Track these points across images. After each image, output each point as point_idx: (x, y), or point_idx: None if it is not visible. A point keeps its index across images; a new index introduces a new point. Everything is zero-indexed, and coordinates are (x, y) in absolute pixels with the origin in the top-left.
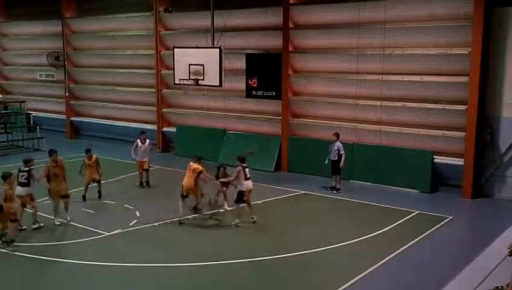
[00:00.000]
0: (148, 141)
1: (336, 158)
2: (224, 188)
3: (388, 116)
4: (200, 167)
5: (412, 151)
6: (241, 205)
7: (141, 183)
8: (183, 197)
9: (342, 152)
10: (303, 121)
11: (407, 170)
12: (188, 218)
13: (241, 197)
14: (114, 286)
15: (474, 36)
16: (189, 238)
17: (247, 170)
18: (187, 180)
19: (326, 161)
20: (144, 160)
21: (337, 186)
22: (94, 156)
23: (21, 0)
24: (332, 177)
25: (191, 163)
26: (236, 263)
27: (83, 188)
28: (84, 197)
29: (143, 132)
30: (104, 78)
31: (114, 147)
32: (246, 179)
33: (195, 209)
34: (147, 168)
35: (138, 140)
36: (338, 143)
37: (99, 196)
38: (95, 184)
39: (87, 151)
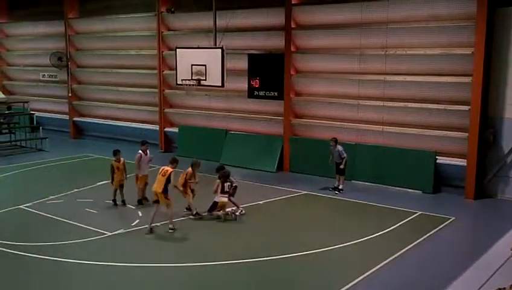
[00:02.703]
0: (148, 151)
1: (340, 161)
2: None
3: (390, 117)
4: (170, 169)
5: (414, 152)
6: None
7: (141, 201)
8: (155, 202)
9: (344, 155)
10: (305, 121)
11: (409, 171)
12: (157, 225)
13: (213, 207)
14: (115, 286)
15: (477, 36)
16: (190, 239)
17: (227, 185)
18: (156, 184)
19: (330, 160)
20: (147, 173)
21: (340, 187)
22: (122, 159)
23: (24, 1)
24: (336, 177)
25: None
26: (238, 263)
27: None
28: (115, 201)
29: (145, 142)
30: (106, 79)
31: (116, 147)
32: (223, 193)
33: (189, 211)
34: (148, 182)
35: (141, 151)
36: (338, 148)
37: (124, 203)
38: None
39: (116, 152)
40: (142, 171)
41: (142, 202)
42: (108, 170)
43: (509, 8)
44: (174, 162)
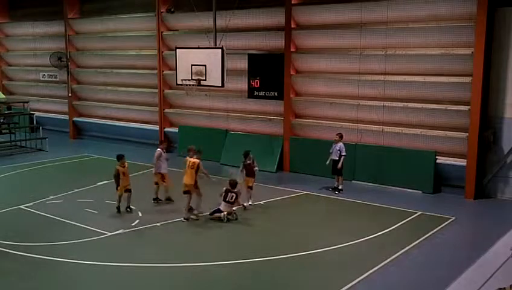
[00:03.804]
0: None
1: (338, 158)
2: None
3: (390, 117)
4: (197, 161)
5: (414, 152)
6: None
7: (157, 199)
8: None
9: (343, 153)
10: (305, 121)
11: (409, 171)
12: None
13: (215, 212)
14: (115, 286)
15: (477, 36)
16: (190, 239)
17: (230, 195)
18: (186, 177)
19: (328, 162)
20: (166, 171)
21: (339, 187)
22: (126, 163)
23: (24, 1)
24: (335, 178)
25: (187, 158)
26: (237, 263)
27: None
28: (118, 209)
29: (164, 140)
30: (106, 79)
31: (116, 148)
32: (225, 201)
33: (190, 210)
34: (167, 180)
35: (159, 149)
36: (340, 144)
37: (130, 210)
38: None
39: (121, 157)
40: (163, 169)
41: (157, 199)
42: (109, 171)
43: (509, 8)
44: (198, 153)
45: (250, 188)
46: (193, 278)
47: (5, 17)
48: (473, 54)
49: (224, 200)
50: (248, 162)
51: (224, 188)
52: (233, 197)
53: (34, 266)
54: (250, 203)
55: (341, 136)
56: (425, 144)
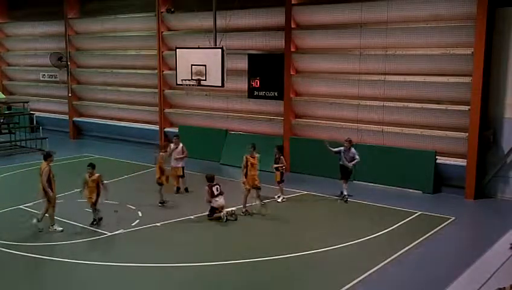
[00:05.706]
0: (181, 145)
1: (352, 163)
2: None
3: (390, 117)
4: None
5: (414, 152)
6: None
7: (177, 188)
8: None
9: (357, 158)
10: (305, 121)
11: (409, 171)
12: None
13: (212, 212)
14: (115, 286)
15: (477, 36)
16: (190, 239)
17: (215, 187)
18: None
19: (327, 144)
20: (178, 166)
21: (344, 192)
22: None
23: (24, 1)
24: (344, 183)
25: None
26: (237, 263)
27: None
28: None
29: (177, 135)
30: (106, 79)
31: (116, 148)
32: (216, 196)
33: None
34: (181, 174)
35: (172, 144)
36: (352, 150)
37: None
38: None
39: (91, 166)
40: (172, 163)
41: (179, 190)
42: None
43: (509, 8)
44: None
45: (279, 183)
46: (193, 278)
47: (5, 17)
48: (473, 54)
49: (213, 196)
50: (277, 156)
51: (206, 187)
52: (219, 187)
53: (33, 266)
54: (282, 197)
55: (351, 142)
56: (425, 144)
